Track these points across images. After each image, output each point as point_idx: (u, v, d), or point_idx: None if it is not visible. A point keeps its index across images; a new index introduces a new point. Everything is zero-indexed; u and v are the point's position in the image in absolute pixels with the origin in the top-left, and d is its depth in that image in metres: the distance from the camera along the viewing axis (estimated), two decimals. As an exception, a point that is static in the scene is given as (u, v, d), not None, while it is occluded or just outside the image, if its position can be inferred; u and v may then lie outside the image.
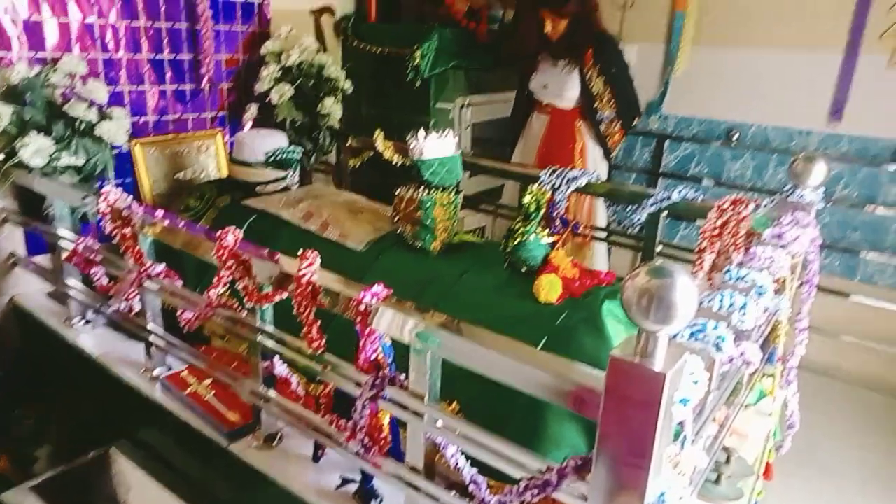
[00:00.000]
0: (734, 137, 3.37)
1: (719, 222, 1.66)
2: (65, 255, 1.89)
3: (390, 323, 1.13)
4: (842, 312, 3.15)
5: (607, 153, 2.96)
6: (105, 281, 1.82)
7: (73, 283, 1.95)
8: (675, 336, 0.88)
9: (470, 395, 1.36)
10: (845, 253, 3.20)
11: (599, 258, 3.05)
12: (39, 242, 2.16)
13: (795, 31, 3.13)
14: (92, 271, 1.84)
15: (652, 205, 2.01)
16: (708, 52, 3.36)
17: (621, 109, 2.86)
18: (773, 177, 3.33)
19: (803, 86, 3.15)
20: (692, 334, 0.94)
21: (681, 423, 0.88)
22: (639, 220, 2.08)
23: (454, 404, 1.39)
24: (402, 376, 1.18)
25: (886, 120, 3.01)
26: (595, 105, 2.84)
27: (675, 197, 1.97)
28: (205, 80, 2.53)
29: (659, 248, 2.13)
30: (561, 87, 2.89)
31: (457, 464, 1.14)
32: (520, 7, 2.97)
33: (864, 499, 2.45)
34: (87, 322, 2.00)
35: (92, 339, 1.94)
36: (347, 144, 2.71)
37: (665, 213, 2.03)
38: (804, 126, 3.21)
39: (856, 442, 2.77)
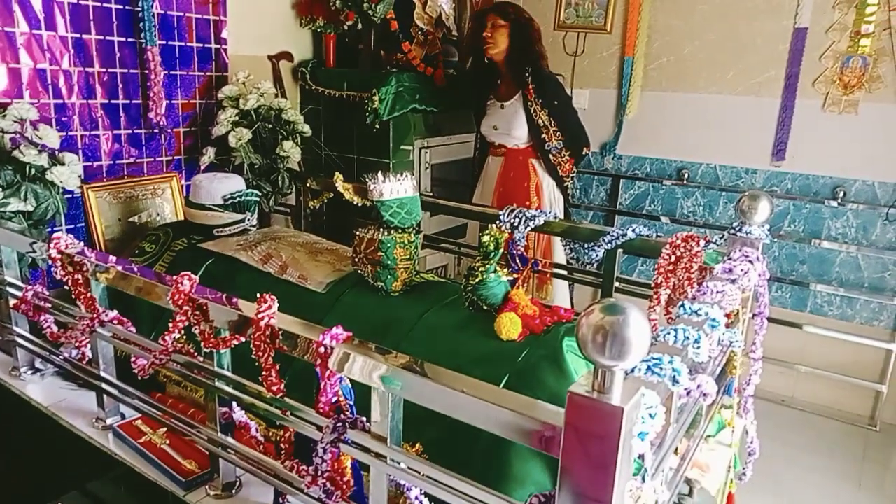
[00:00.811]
0: (685, 176, 3.49)
1: (673, 258, 1.72)
2: (12, 302, 1.83)
3: (351, 365, 1.12)
4: (794, 343, 3.25)
5: (560, 183, 3.04)
6: (55, 328, 1.76)
7: (21, 331, 1.89)
8: (631, 371, 0.89)
9: (433, 435, 1.35)
10: (795, 285, 3.32)
11: (560, 295, 3.09)
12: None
13: (735, 77, 3.30)
14: (41, 318, 1.78)
15: (608, 242, 2.06)
16: (656, 96, 3.51)
17: (567, 140, 2.97)
18: (724, 213, 3.46)
19: (747, 128, 3.31)
20: (649, 368, 0.96)
21: (641, 457, 0.89)
22: (596, 256, 2.13)
23: (417, 446, 1.38)
24: (364, 419, 1.17)
25: (825, 159, 3.17)
26: (543, 136, 2.95)
27: (631, 234, 2.02)
28: (155, 124, 2.51)
29: (617, 285, 2.18)
30: (509, 125, 2.99)
31: (420, 506, 1.12)
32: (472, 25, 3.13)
33: (824, 527, 2.49)
34: (36, 371, 1.93)
35: (41, 388, 1.87)
36: (307, 186, 2.71)
37: (621, 249, 2.08)
38: (750, 165, 3.35)
39: (815, 469, 2.82)
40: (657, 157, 3.59)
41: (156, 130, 2.54)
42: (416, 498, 1.13)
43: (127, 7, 2.36)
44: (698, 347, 1.09)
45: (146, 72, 2.45)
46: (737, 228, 1.69)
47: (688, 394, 1.03)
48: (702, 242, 1.69)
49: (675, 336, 1.09)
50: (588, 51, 3.62)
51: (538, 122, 2.93)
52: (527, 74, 2.91)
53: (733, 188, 3.39)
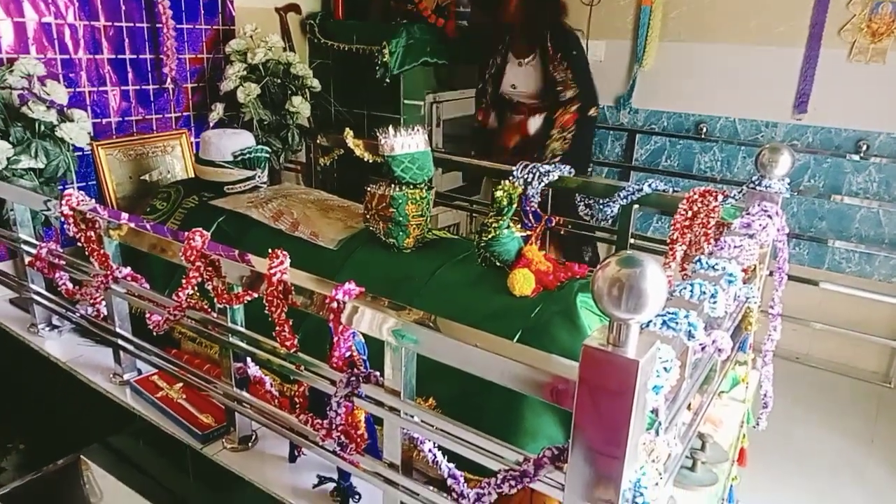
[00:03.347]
0: (703, 131, 3.41)
1: (690, 214, 1.68)
2: (27, 260, 1.84)
3: (364, 320, 1.12)
4: (811, 300, 3.21)
5: (549, 129, 2.98)
6: (70, 285, 1.78)
7: (37, 288, 1.90)
8: (646, 325, 0.88)
9: (446, 390, 1.35)
10: (813, 242, 3.27)
11: None
12: None
13: (758, 27, 3.18)
14: (56, 276, 1.79)
15: (624, 197, 2.03)
16: (675, 47, 3.40)
17: (580, 93, 2.91)
18: (742, 168, 3.38)
19: (768, 79, 3.21)
20: (664, 323, 0.95)
21: (654, 411, 0.88)
22: (611, 213, 2.09)
23: (430, 400, 1.38)
24: (377, 373, 1.17)
25: (848, 112, 3.08)
26: (558, 89, 2.90)
27: (647, 189, 1.98)
28: (168, 79, 2.48)
29: (632, 241, 2.15)
30: (527, 83, 2.94)
31: (434, 459, 1.13)
32: None
33: (836, 481, 2.50)
34: (54, 328, 1.95)
35: (59, 345, 1.90)
36: (317, 143, 2.68)
37: (637, 205, 2.05)
38: (770, 118, 3.26)
39: (827, 426, 2.83)
40: (674, 111, 3.50)
41: (169, 86, 2.51)
42: (430, 451, 1.14)
43: (132, -42, 2.31)
44: (715, 302, 1.08)
45: (158, 25, 2.41)
46: (756, 182, 1.65)
47: (703, 349, 1.01)
48: (720, 197, 1.66)
49: (692, 290, 1.07)
50: (604, 0, 3.51)
51: (556, 77, 2.88)
52: (546, 32, 2.84)
53: (752, 142, 3.31)
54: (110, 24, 2.31)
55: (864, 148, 3.05)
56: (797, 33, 3.09)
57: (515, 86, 2.99)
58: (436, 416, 1.11)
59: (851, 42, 2.99)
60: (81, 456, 1.76)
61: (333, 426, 1.19)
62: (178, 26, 2.49)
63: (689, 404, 1.35)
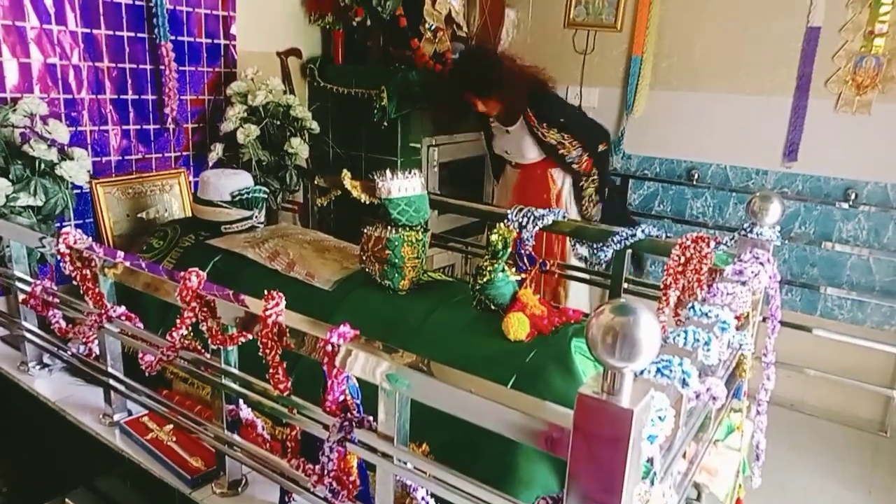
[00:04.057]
0: (695, 177, 3.47)
1: (682, 259, 1.70)
2: (21, 297, 1.84)
3: (358, 363, 1.11)
4: (805, 346, 3.22)
5: (577, 182, 2.98)
6: (63, 324, 1.77)
7: (30, 326, 1.89)
8: (641, 372, 0.88)
9: (440, 436, 1.34)
10: (805, 288, 3.29)
11: (581, 297, 3.08)
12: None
13: (747, 77, 3.27)
14: (50, 314, 1.78)
15: (617, 242, 2.04)
16: (666, 95, 3.48)
17: (586, 144, 2.92)
18: (734, 214, 3.43)
19: (758, 128, 3.28)
20: (658, 370, 0.95)
21: (650, 460, 0.88)
22: (605, 257, 2.11)
23: (424, 446, 1.37)
24: (371, 418, 1.16)
25: (837, 161, 3.14)
26: (560, 152, 2.89)
27: (640, 235, 2.00)
28: (169, 119, 2.51)
29: (626, 285, 2.16)
30: (518, 150, 2.96)
31: (427, 507, 1.11)
32: (448, 86, 2.93)
33: (833, 532, 2.47)
34: (44, 367, 1.93)
35: (48, 384, 1.88)
36: (315, 183, 2.71)
37: (630, 250, 2.06)
38: (761, 166, 3.32)
39: (824, 476, 2.80)
40: (666, 157, 3.56)
41: (170, 126, 2.54)
42: (423, 498, 1.12)
43: (137, 2, 2.37)
44: (708, 350, 1.08)
45: (160, 67, 2.46)
46: (747, 230, 1.67)
47: (697, 397, 1.01)
48: (712, 243, 1.68)
49: (685, 338, 1.08)
50: (598, 49, 3.60)
51: (550, 142, 2.87)
52: (524, 110, 2.82)
53: (744, 189, 3.36)
54: (114, 65, 2.35)
55: (853, 196, 3.10)
56: (785, 84, 3.18)
57: (508, 152, 3.02)
58: (429, 462, 1.10)
59: (837, 94, 3.07)
60: (67, 500, 1.72)
61: (325, 472, 1.18)
62: (181, 68, 2.54)
63: (685, 453, 1.34)
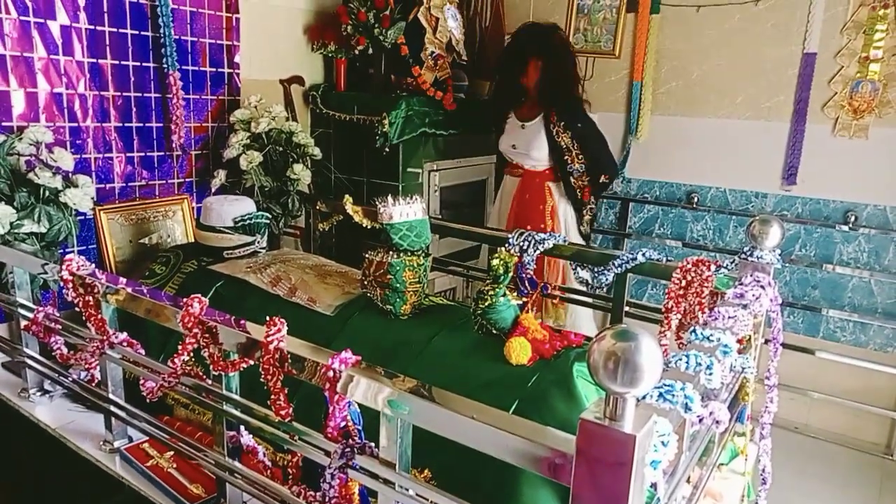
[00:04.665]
0: (694, 200, 3.48)
1: (684, 283, 1.71)
2: (23, 323, 1.84)
3: (360, 390, 1.11)
4: (808, 369, 3.20)
5: (578, 208, 3.03)
6: (65, 350, 1.77)
7: (31, 353, 1.89)
8: (643, 398, 0.88)
9: (442, 462, 1.33)
10: (807, 311, 3.28)
11: (584, 320, 3.09)
12: (-5, 311, 2.10)
13: (745, 102, 3.30)
14: (51, 340, 1.79)
15: (618, 266, 2.05)
16: (666, 120, 3.52)
17: (589, 164, 2.96)
18: (734, 237, 3.44)
19: (757, 152, 3.30)
20: (660, 395, 0.95)
21: (653, 486, 0.88)
22: (606, 280, 2.11)
23: (426, 472, 1.36)
24: (372, 444, 1.16)
25: (836, 183, 3.15)
26: (565, 158, 2.95)
27: (640, 259, 2.01)
28: (176, 146, 2.55)
29: (627, 309, 2.16)
30: (528, 146, 3.00)
31: (429, 534, 1.10)
32: (512, 49, 3.14)
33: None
34: (45, 393, 1.93)
35: (49, 410, 1.87)
36: (317, 208, 2.72)
37: (631, 273, 2.07)
38: (760, 189, 3.34)
39: (830, 500, 2.76)
40: (666, 181, 3.58)
41: (177, 153, 2.58)
42: (425, 525, 1.11)
43: (143, 33, 2.41)
44: (710, 374, 1.08)
45: (168, 96, 2.50)
46: (748, 253, 1.68)
47: (700, 421, 1.01)
48: (713, 267, 1.68)
49: (687, 362, 1.08)
50: (597, 75, 3.64)
51: (560, 144, 2.94)
52: (554, 98, 2.93)
53: (743, 212, 3.38)
54: (119, 93, 2.39)
55: (853, 219, 3.11)
56: (783, 109, 3.21)
57: (515, 146, 3.07)
58: (431, 489, 1.10)
59: (835, 118, 3.10)
60: (65, 527, 1.71)
61: (327, 499, 1.17)
62: (185, 96, 2.58)
63: (689, 478, 1.33)
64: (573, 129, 2.94)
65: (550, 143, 2.96)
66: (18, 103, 2.13)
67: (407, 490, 1.11)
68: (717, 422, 1.05)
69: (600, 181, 3.04)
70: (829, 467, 3.01)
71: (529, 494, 1.29)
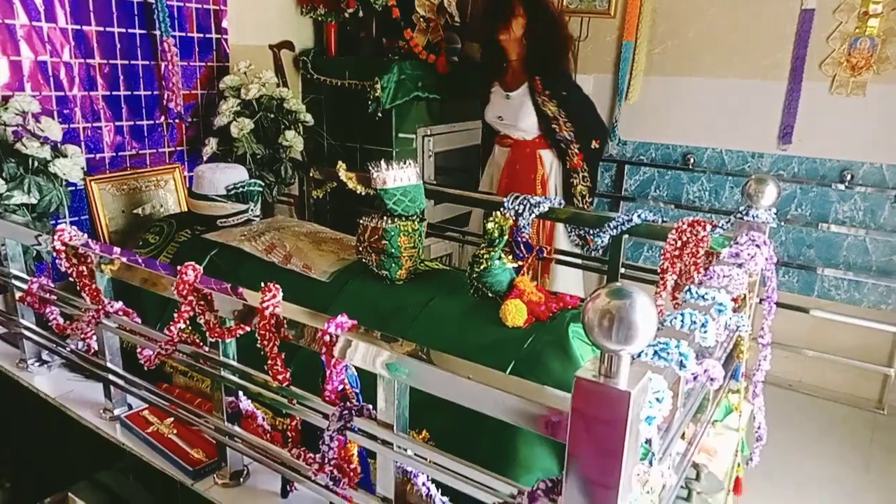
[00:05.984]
0: (690, 161, 3.47)
1: (679, 243, 1.71)
2: (18, 295, 1.84)
3: (357, 353, 1.12)
4: (802, 327, 3.23)
5: (567, 177, 3.01)
6: (61, 320, 1.77)
7: (27, 323, 1.89)
8: (638, 355, 0.89)
9: (439, 422, 1.35)
10: (802, 270, 3.30)
11: (566, 282, 3.08)
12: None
13: (741, 61, 3.26)
14: (47, 311, 1.78)
15: (613, 228, 2.05)
16: (661, 81, 3.47)
17: (577, 131, 2.93)
18: (730, 198, 3.43)
19: (753, 111, 3.28)
20: (655, 353, 0.96)
21: (648, 442, 0.89)
22: (602, 243, 2.11)
23: (423, 433, 1.38)
24: (370, 406, 1.17)
25: (832, 142, 3.14)
26: (553, 126, 2.91)
27: (636, 220, 2.00)
28: (175, 115, 2.51)
29: (623, 270, 2.17)
30: (514, 116, 2.96)
31: (428, 492, 1.12)
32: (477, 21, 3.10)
33: (832, 511, 2.49)
34: (43, 363, 1.94)
35: (48, 380, 1.88)
36: (310, 176, 2.70)
37: (627, 235, 2.07)
38: (756, 149, 3.32)
39: (822, 454, 2.82)
40: (662, 143, 3.56)
41: (173, 121, 2.54)
42: (424, 484, 1.13)
43: (127, -1, 2.35)
44: (705, 332, 1.09)
45: (162, 63, 2.45)
46: (743, 212, 1.67)
47: (695, 378, 1.02)
48: (708, 227, 1.68)
49: (682, 320, 1.08)
50: (592, 36, 3.59)
51: (547, 113, 2.89)
52: (539, 65, 2.87)
53: (739, 173, 3.37)
54: (105, 61, 2.34)
55: (849, 177, 3.10)
56: (780, 67, 3.17)
57: (502, 118, 3.02)
58: (429, 449, 1.11)
59: (832, 76, 3.07)
60: (69, 494, 1.73)
61: (326, 460, 1.19)
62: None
63: (683, 434, 1.35)
64: (558, 98, 2.89)
65: (537, 111, 2.92)
66: (2, 72, 2.08)
67: (405, 450, 1.12)
68: (712, 379, 1.06)
69: (591, 147, 3.00)
70: (822, 422, 3.06)
71: (526, 452, 1.31)
